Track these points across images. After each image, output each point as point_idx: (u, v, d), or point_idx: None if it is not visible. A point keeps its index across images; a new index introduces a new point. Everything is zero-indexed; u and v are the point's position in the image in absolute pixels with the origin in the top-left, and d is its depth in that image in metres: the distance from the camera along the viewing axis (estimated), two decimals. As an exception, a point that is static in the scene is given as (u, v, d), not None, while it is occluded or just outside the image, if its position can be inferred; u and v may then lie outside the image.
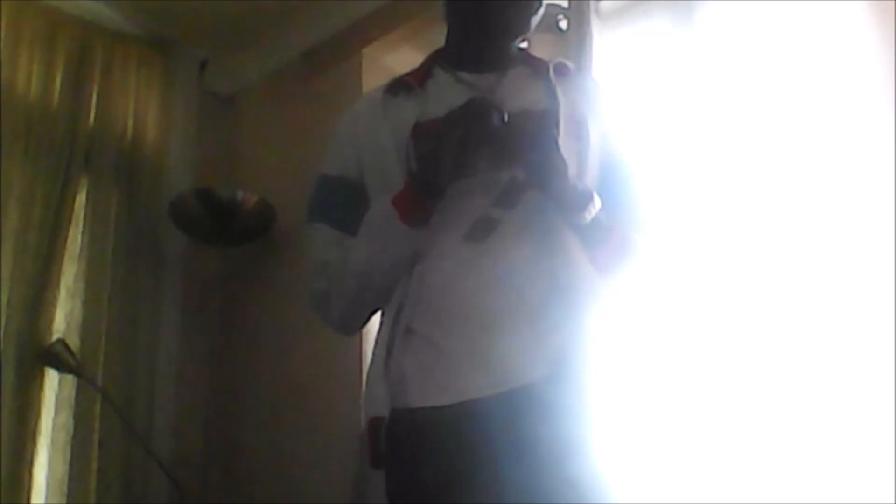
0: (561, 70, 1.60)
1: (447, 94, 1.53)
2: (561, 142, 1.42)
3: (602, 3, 2.49)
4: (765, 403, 1.97)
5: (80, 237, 3.05)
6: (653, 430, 1.50)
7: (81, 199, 3.07)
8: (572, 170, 1.45)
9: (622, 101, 1.69)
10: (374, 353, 1.49)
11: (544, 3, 1.60)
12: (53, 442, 2.82)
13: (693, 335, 2.10)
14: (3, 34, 2.97)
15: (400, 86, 1.59)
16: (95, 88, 3.19)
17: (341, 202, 1.57)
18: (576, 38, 2.41)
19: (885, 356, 1.80)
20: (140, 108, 3.31)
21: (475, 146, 1.40)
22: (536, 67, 1.61)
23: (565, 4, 2.48)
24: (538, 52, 2.21)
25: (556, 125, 1.46)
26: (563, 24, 2.46)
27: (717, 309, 2.09)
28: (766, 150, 2.11)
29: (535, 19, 1.61)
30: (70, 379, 2.87)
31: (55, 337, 2.84)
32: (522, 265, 1.43)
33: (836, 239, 1.96)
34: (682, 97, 2.28)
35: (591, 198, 1.44)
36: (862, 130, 1.96)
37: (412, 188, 1.43)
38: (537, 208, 1.44)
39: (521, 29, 1.59)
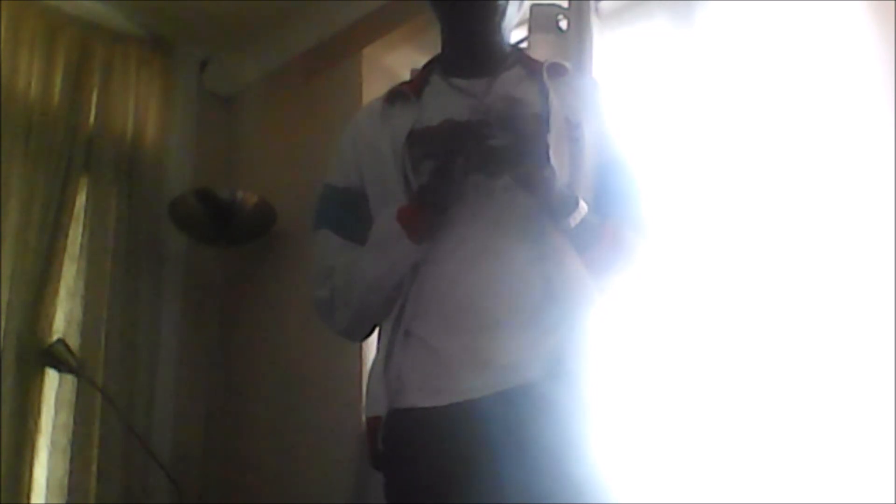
0: (557, 70, 1.60)
1: (441, 101, 1.56)
2: (553, 144, 1.43)
3: (602, 3, 2.49)
4: (765, 403, 1.97)
5: (80, 237, 3.05)
6: (651, 429, 1.50)
7: (81, 199, 3.07)
8: (564, 172, 1.46)
9: (622, 100, 1.68)
10: (375, 355, 1.50)
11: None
12: (53, 442, 2.82)
13: (692, 334, 2.10)
14: (3, 34, 2.97)
15: (397, 95, 1.63)
16: (95, 88, 3.19)
17: (345, 210, 1.60)
18: (576, 38, 2.41)
19: (886, 356, 1.80)
20: (140, 108, 3.31)
21: (475, 164, 1.41)
22: (531, 69, 1.61)
23: (565, 4, 2.48)
24: (538, 52, 2.22)
25: (547, 129, 1.47)
26: (563, 24, 2.46)
27: (717, 308, 2.09)
28: (767, 150, 2.11)
29: (512, 13, 1.60)
30: (70, 379, 2.87)
31: (55, 337, 2.84)
32: (518, 269, 1.44)
33: (836, 239, 1.96)
34: (682, 97, 2.28)
35: (576, 203, 1.45)
36: (862, 130, 1.96)
37: (418, 207, 1.44)
38: (530, 212, 1.45)
39: (495, 25, 1.59)
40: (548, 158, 1.41)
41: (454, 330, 1.42)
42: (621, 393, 1.43)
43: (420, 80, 1.64)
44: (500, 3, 1.56)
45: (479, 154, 1.39)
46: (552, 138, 1.45)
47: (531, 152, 1.40)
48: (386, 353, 1.46)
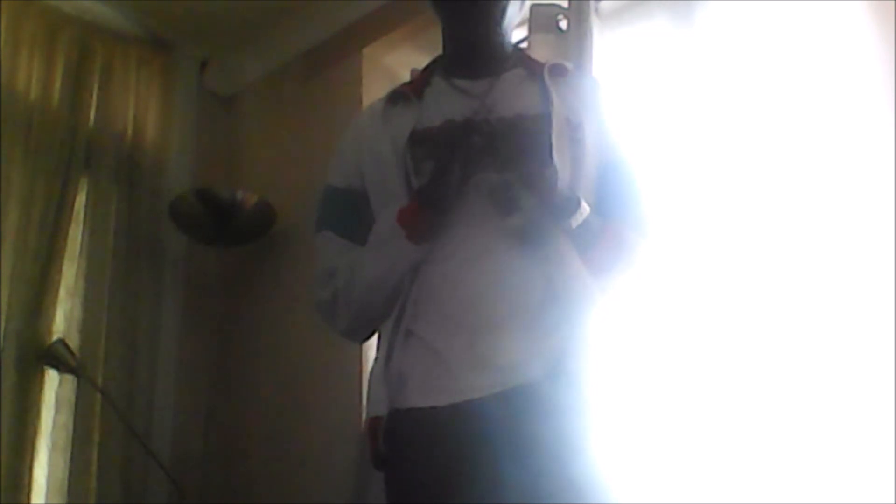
0: (558, 71, 1.61)
1: (443, 102, 1.57)
2: (554, 145, 1.43)
3: (602, 3, 2.49)
4: (765, 403, 1.97)
5: (80, 237, 3.05)
6: (651, 429, 1.50)
7: (81, 199, 3.07)
8: (566, 173, 1.46)
9: (622, 100, 1.68)
10: (376, 355, 1.50)
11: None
12: (53, 442, 2.82)
13: (692, 335, 2.10)
14: (3, 34, 2.97)
15: (398, 96, 1.63)
16: (95, 88, 3.19)
17: (347, 212, 1.61)
18: (576, 38, 2.41)
19: (886, 356, 1.81)
20: (140, 108, 3.30)
21: (476, 165, 1.41)
22: (532, 69, 1.61)
23: (565, 4, 2.48)
24: (538, 52, 2.21)
25: (549, 130, 1.47)
26: (563, 24, 2.46)
27: (717, 308, 2.09)
28: (766, 150, 2.11)
29: (513, 14, 1.60)
30: (70, 379, 2.87)
31: (55, 337, 2.84)
32: (519, 269, 1.44)
33: (836, 239, 1.96)
34: (682, 97, 2.28)
35: (578, 204, 1.45)
36: (862, 130, 1.96)
37: (418, 207, 1.44)
38: (530, 213, 1.45)
39: (495, 26, 1.59)
40: (551, 158, 1.41)
41: (455, 330, 1.42)
42: (622, 393, 1.43)
43: (421, 81, 1.64)
44: (501, 3, 1.56)
45: (481, 155, 1.39)
46: (554, 139, 1.45)
47: (532, 151, 1.40)
48: (387, 353, 1.46)
